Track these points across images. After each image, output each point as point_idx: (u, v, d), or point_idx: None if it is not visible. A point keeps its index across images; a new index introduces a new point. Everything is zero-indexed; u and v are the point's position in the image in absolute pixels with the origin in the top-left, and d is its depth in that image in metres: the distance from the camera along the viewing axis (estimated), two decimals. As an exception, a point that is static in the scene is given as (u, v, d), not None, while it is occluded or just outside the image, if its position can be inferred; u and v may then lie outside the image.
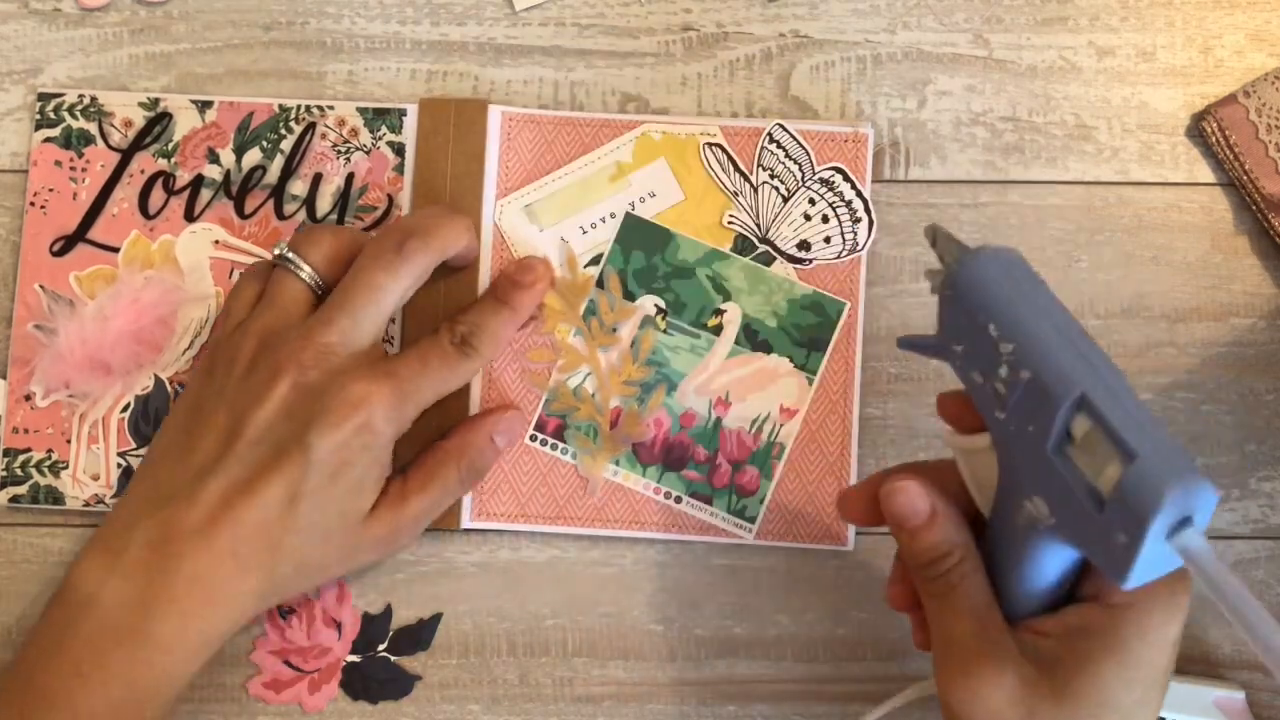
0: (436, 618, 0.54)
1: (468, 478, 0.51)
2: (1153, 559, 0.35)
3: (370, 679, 0.54)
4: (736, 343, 0.54)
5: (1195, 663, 0.54)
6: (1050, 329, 0.38)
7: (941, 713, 0.41)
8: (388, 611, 0.54)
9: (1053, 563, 0.40)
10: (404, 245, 0.49)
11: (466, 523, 0.53)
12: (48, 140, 0.55)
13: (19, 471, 0.53)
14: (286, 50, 0.56)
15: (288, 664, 0.53)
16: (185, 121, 0.55)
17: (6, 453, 0.53)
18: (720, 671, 0.54)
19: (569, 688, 0.54)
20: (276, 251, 0.50)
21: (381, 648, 0.54)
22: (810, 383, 0.54)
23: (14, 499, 0.53)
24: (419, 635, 0.54)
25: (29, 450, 0.53)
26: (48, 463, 0.53)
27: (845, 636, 0.54)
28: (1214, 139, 0.55)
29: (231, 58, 0.56)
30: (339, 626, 0.54)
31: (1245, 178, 0.54)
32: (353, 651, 0.54)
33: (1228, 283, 0.55)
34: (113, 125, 0.55)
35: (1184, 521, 0.35)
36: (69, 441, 0.53)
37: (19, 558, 0.54)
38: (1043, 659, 0.40)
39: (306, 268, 0.50)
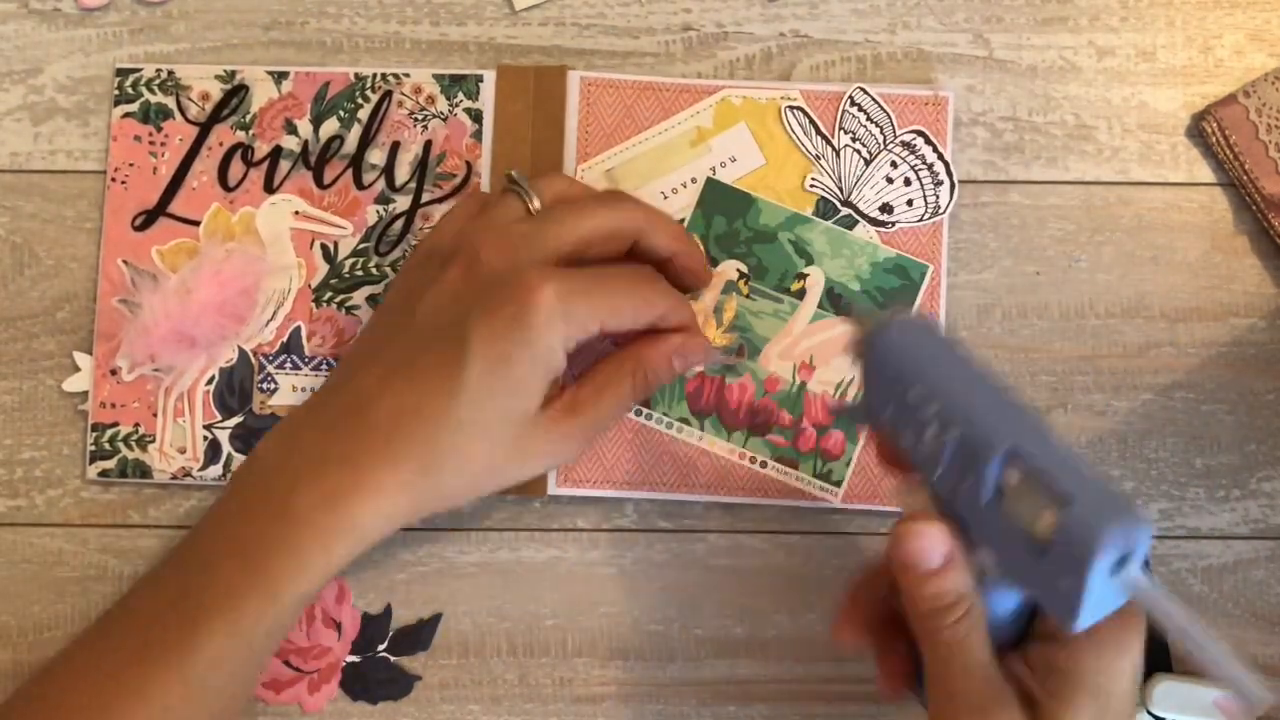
0: (436, 618, 0.54)
1: (640, 390, 0.49)
2: (1098, 599, 0.36)
3: (370, 679, 0.54)
4: (820, 307, 0.54)
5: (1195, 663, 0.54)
6: (971, 385, 0.39)
7: None
8: (388, 611, 0.54)
9: (1008, 604, 0.41)
10: (627, 199, 0.50)
11: (553, 489, 0.53)
12: (126, 115, 0.55)
13: (107, 446, 0.53)
14: (287, 50, 0.56)
15: (287, 664, 0.53)
16: (262, 93, 0.55)
17: (94, 427, 0.54)
18: (720, 671, 0.54)
19: (569, 688, 0.54)
20: (509, 173, 0.50)
21: (381, 648, 0.54)
22: None
23: (103, 473, 0.53)
24: (419, 635, 0.54)
25: (116, 424, 0.54)
26: (135, 436, 0.54)
27: (845, 636, 0.54)
28: (1214, 139, 0.55)
29: (231, 57, 0.56)
30: (339, 626, 0.54)
31: (1245, 178, 0.54)
32: (352, 651, 0.54)
33: (1228, 283, 0.55)
34: (190, 99, 0.55)
35: (1124, 559, 0.36)
36: (155, 415, 0.54)
37: (19, 558, 0.54)
38: (1026, 701, 0.40)
39: (534, 196, 0.50)
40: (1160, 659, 0.52)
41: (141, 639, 0.45)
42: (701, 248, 0.53)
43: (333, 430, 0.47)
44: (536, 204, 0.49)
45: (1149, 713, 0.51)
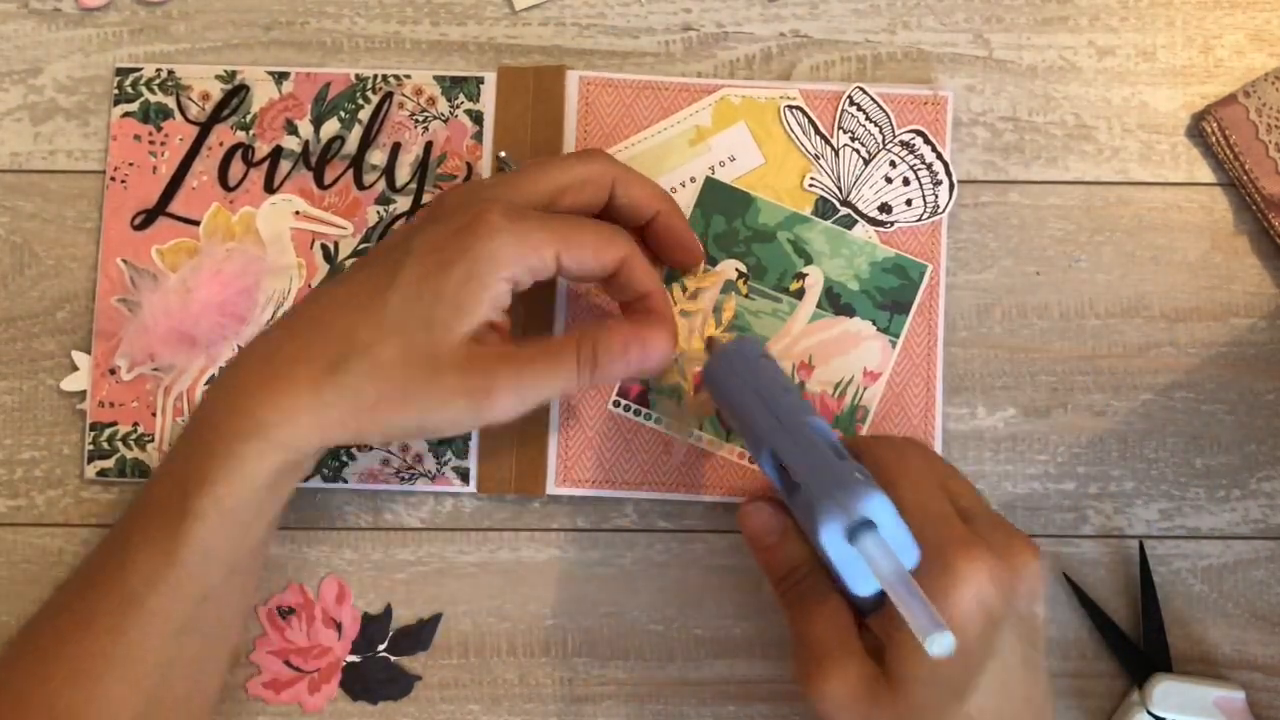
0: (436, 618, 0.54)
1: (585, 367, 0.45)
2: (855, 566, 0.42)
3: (370, 679, 0.54)
4: (819, 306, 0.54)
5: (1195, 662, 0.54)
6: (754, 402, 0.45)
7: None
8: (388, 611, 0.54)
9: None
10: (601, 153, 0.49)
11: (551, 489, 0.53)
12: (126, 115, 0.55)
13: (105, 445, 0.53)
14: (287, 50, 0.56)
15: (288, 664, 0.53)
16: (262, 93, 0.55)
17: (93, 427, 0.54)
18: (720, 671, 0.54)
19: (569, 688, 0.54)
20: (499, 155, 0.51)
21: (381, 648, 0.54)
22: (893, 346, 0.54)
23: (101, 473, 0.54)
24: (419, 635, 0.54)
25: (115, 424, 0.54)
26: (134, 436, 0.54)
27: (845, 636, 0.54)
28: (1214, 139, 0.55)
29: (232, 58, 0.56)
30: (339, 627, 0.54)
31: (1245, 178, 0.54)
32: (353, 651, 0.54)
33: (1228, 283, 0.55)
34: (190, 99, 0.55)
35: (865, 524, 0.41)
36: (154, 415, 0.54)
37: (19, 558, 0.54)
38: (877, 650, 0.43)
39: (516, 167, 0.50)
40: (1160, 659, 0.53)
41: (87, 566, 0.46)
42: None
43: (260, 337, 0.46)
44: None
45: (1149, 713, 0.51)
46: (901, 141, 0.54)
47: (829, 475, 0.42)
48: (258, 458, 0.43)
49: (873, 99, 0.55)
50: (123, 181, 0.55)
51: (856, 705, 0.42)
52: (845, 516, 0.41)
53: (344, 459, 0.53)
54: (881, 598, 0.44)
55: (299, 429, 0.43)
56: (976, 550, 0.42)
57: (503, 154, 0.51)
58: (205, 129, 0.55)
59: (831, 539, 0.41)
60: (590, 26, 0.56)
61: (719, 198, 0.54)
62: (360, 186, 0.55)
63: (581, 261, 0.45)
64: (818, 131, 0.54)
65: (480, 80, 0.55)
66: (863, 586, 0.42)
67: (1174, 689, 0.52)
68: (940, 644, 0.37)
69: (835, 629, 0.44)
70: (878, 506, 0.41)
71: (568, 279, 0.46)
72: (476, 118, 0.55)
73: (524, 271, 0.44)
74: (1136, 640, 0.53)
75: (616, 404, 0.54)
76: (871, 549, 0.40)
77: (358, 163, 0.55)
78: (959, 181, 0.54)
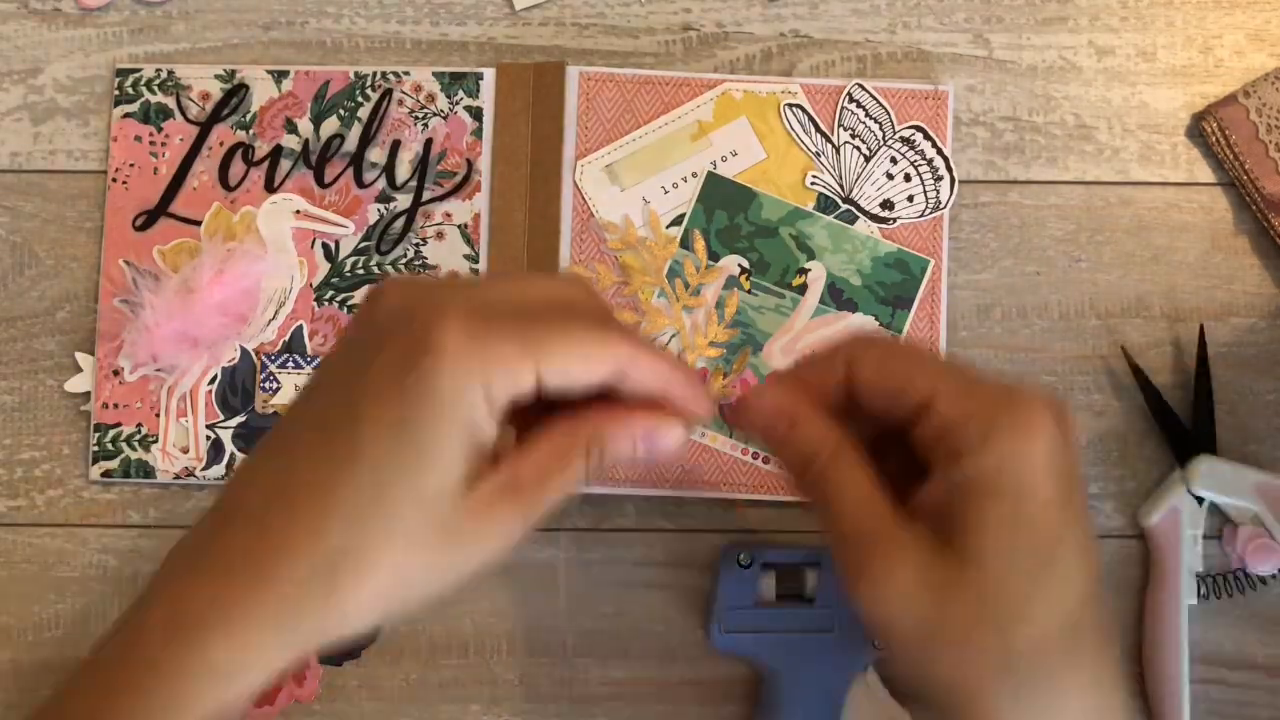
0: None
1: (595, 473, 0.37)
2: None
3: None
4: (821, 302, 0.54)
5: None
6: None
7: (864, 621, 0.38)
8: None
9: None
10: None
11: None
12: (127, 115, 0.55)
13: (110, 446, 0.54)
14: (287, 50, 0.56)
15: None
16: (262, 92, 0.55)
17: (97, 428, 0.54)
18: (720, 671, 0.54)
19: (569, 688, 0.54)
20: None
21: None
22: None
23: (106, 474, 0.54)
24: None
25: (119, 425, 0.54)
26: (138, 437, 0.54)
27: (845, 636, 0.54)
28: (1214, 139, 0.55)
29: (231, 57, 0.56)
30: None
31: (1245, 178, 0.54)
32: None
33: (1228, 283, 0.55)
34: (190, 99, 0.55)
35: None
36: (158, 415, 0.54)
37: (19, 558, 0.54)
38: (931, 533, 0.36)
39: None
40: (1206, 439, 0.53)
41: None
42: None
43: (203, 533, 0.36)
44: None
45: (1189, 491, 0.51)
46: (902, 138, 0.55)
47: None
48: (199, 701, 0.33)
49: (872, 95, 0.55)
50: (124, 182, 0.55)
51: (925, 593, 0.35)
52: None
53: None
54: None
55: (259, 671, 0.34)
56: (1037, 403, 0.36)
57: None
58: (205, 129, 0.55)
59: None
60: (590, 26, 0.56)
61: (721, 193, 0.54)
62: (360, 185, 0.55)
63: (568, 376, 0.34)
64: (818, 129, 0.55)
65: (479, 76, 0.55)
66: None
67: (1217, 468, 0.52)
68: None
69: (876, 513, 0.37)
70: None
71: (552, 397, 0.35)
72: (476, 114, 0.55)
73: (501, 395, 0.34)
74: (1185, 421, 0.53)
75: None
76: None
77: (358, 161, 0.55)
78: (959, 181, 0.55)
